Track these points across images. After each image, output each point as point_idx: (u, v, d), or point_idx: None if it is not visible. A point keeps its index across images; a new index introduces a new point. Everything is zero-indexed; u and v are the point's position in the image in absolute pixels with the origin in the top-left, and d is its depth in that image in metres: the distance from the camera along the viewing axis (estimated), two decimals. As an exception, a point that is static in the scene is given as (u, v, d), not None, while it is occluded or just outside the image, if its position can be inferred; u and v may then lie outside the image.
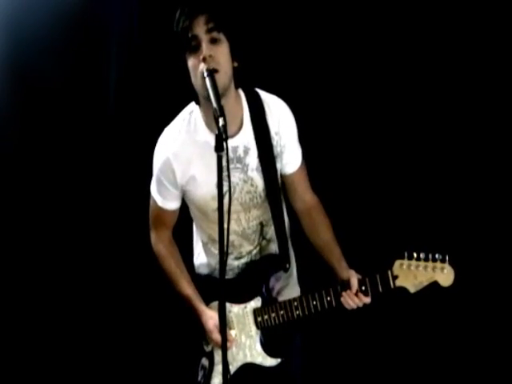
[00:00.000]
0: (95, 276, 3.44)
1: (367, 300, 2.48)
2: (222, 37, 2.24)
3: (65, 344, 3.45)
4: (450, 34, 3.11)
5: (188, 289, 2.58)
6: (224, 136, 1.96)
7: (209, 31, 2.22)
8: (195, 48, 2.22)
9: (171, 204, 2.53)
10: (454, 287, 2.42)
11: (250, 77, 2.40)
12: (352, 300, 2.46)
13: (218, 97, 2.08)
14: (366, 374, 3.45)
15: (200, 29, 2.21)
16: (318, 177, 2.66)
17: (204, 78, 2.16)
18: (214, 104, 2.04)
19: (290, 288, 2.69)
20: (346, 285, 2.49)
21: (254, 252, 2.62)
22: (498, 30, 3.06)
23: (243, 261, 2.63)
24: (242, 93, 2.44)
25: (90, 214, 3.42)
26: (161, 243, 2.61)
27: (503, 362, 3.27)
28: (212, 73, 2.17)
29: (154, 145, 2.49)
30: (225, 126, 1.97)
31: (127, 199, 3.40)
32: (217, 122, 1.98)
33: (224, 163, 1.99)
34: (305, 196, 2.61)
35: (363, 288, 2.49)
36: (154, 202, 2.54)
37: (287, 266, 2.60)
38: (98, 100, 3.37)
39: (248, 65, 2.33)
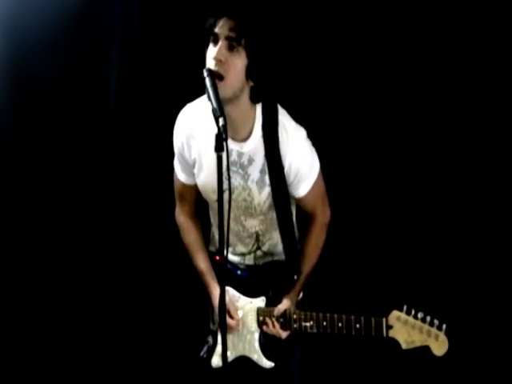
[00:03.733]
0: (97, 273, 3.45)
1: (283, 334, 2.53)
2: (241, 50, 2.19)
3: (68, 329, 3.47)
4: (452, 36, 3.01)
5: (203, 264, 2.59)
6: (224, 136, 1.93)
7: (229, 38, 2.18)
8: (214, 42, 2.21)
9: (191, 179, 2.52)
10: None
11: (266, 97, 2.33)
12: (271, 325, 2.53)
13: (218, 96, 2.06)
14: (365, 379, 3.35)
15: (222, 30, 2.18)
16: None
17: (204, 77, 2.14)
18: (214, 104, 2.03)
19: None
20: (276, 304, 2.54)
21: (248, 257, 2.63)
22: (498, 30, 2.94)
23: (238, 259, 2.64)
24: (258, 105, 2.36)
25: (89, 216, 3.42)
26: (183, 216, 2.63)
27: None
28: (212, 73, 2.14)
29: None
30: (225, 125, 1.95)
31: (127, 200, 3.41)
32: (217, 122, 1.96)
33: (225, 163, 1.98)
34: (312, 213, 2.55)
35: (357, 326, 2.40)
36: (176, 176, 2.56)
37: (295, 277, 2.57)
38: (99, 100, 3.33)
39: (264, 87, 2.28)
